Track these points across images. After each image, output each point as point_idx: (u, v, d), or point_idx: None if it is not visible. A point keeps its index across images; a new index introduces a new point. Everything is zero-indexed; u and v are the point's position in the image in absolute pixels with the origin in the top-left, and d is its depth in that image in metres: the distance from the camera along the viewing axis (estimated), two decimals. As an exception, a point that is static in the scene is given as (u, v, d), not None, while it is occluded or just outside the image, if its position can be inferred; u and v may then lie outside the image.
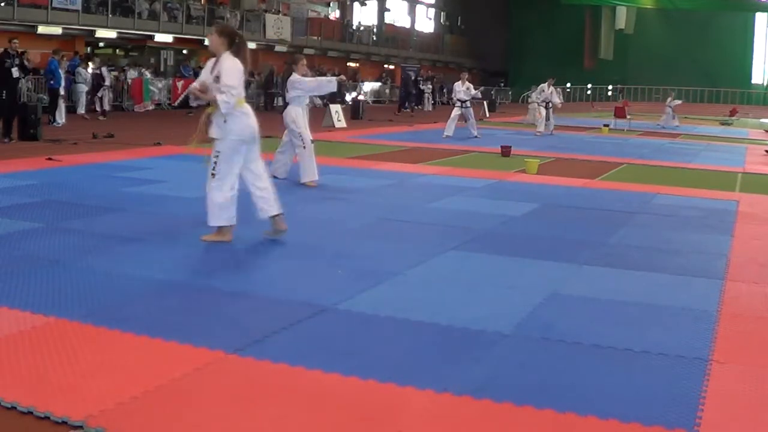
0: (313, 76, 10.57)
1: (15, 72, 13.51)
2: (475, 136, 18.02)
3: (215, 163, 5.86)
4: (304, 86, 9.50)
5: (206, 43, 28.70)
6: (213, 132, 5.88)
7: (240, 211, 7.40)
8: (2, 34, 22.41)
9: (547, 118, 20.97)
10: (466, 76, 19.10)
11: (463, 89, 18.39)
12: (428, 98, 34.91)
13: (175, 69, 28.12)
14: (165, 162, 11.06)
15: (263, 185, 6.12)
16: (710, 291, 5.24)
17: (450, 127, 18.14)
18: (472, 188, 9.84)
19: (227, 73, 5.71)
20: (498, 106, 36.88)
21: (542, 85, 21.29)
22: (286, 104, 9.92)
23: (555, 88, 21.37)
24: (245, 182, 6.10)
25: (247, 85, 7.49)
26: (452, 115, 18.33)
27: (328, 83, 9.85)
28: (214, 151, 5.90)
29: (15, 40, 13.87)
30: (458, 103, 18.36)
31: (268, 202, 6.14)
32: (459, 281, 5.24)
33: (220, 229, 6.04)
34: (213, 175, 5.87)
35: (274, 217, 6.17)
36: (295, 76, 9.49)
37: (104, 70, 21.77)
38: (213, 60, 5.96)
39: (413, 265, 5.60)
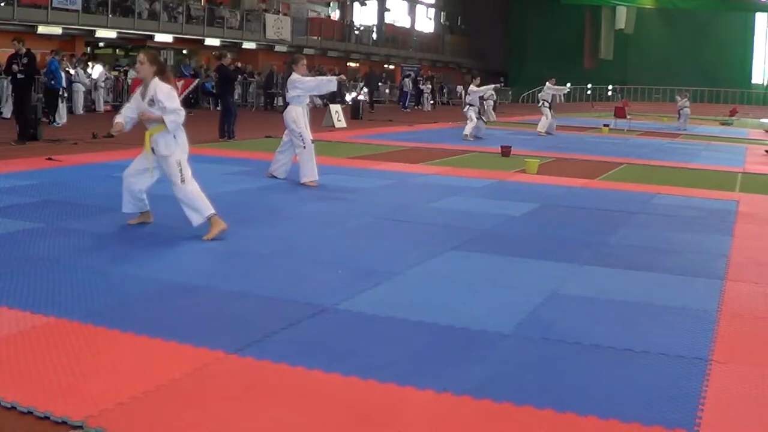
0: (312, 76, 10.56)
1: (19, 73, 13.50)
2: (466, 136, 17.52)
3: (180, 170, 6.25)
4: (304, 85, 9.50)
5: (206, 43, 28.75)
6: (162, 149, 6.27)
7: (239, 212, 7.41)
8: (2, 34, 22.46)
9: (546, 117, 20.86)
10: (478, 81, 18.48)
11: (477, 90, 17.98)
12: (428, 98, 34.89)
13: (176, 69, 28.12)
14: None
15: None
16: (710, 291, 5.24)
17: (479, 127, 17.91)
18: (472, 188, 9.84)
19: (168, 98, 6.17)
20: (498, 106, 36.86)
21: (547, 84, 20.97)
22: (286, 104, 9.93)
23: (555, 87, 21.19)
24: (139, 182, 6.39)
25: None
26: (472, 117, 17.84)
27: (328, 82, 9.85)
28: (173, 163, 6.25)
29: (15, 41, 13.84)
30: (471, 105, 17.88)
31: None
32: (459, 281, 5.24)
33: (212, 222, 6.19)
34: (182, 181, 6.25)
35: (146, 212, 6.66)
36: (295, 76, 9.50)
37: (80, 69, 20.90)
38: (141, 87, 6.36)
39: (413, 265, 5.60)
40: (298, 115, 9.42)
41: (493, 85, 19.82)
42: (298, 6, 36.36)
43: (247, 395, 3.24)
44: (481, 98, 18.14)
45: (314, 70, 26.07)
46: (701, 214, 8.55)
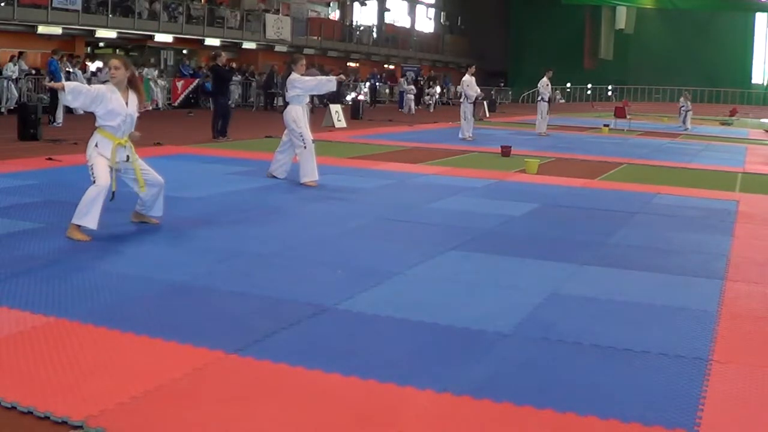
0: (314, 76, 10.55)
1: None
2: (465, 138, 17.36)
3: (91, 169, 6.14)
4: (304, 85, 9.50)
5: (206, 43, 28.75)
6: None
7: (240, 212, 7.42)
8: (2, 34, 22.47)
9: (540, 115, 20.40)
10: (473, 69, 17.93)
11: (470, 81, 17.43)
12: (433, 99, 34.82)
13: (175, 69, 28.15)
14: (165, 162, 11.04)
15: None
16: (710, 291, 5.24)
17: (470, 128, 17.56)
18: (472, 188, 9.84)
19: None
20: (498, 106, 36.91)
21: (543, 79, 20.21)
22: (286, 104, 9.93)
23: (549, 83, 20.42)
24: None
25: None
26: (468, 115, 17.51)
27: (328, 82, 9.85)
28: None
29: None
30: (470, 100, 17.50)
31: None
32: (459, 281, 5.24)
33: (73, 227, 6.05)
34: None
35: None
36: (294, 75, 9.49)
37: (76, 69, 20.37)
38: (116, 93, 6.17)
39: (413, 265, 5.60)
40: (298, 114, 9.41)
41: (480, 93, 19.00)
42: (298, 6, 36.36)
43: (247, 395, 3.23)
44: (476, 98, 17.80)
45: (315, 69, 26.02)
46: (701, 214, 8.55)
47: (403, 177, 10.61)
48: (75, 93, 6.06)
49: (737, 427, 3.17)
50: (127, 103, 6.15)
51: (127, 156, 6.20)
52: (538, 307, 4.69)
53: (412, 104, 30.78)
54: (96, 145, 6.11)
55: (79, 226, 5.96)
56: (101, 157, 6.08)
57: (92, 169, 6.04)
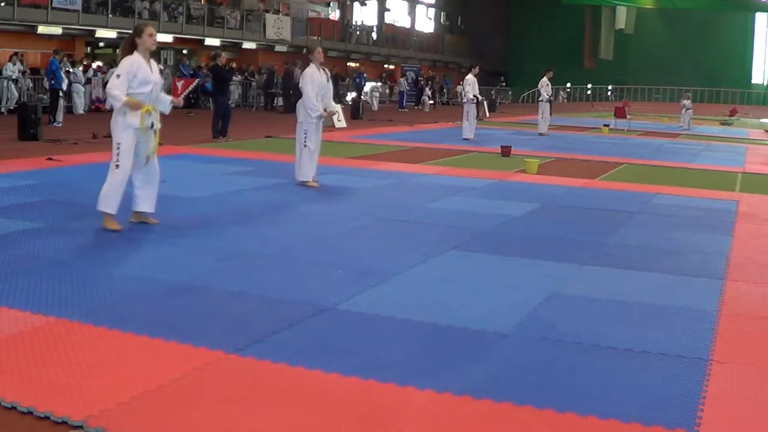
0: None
1: None
2: (467, 138, 17.32)
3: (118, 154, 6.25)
4: (310, 93, 9.46)
5: (206, 43, 28.75)
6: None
7: (239, 212, 7.41)
8: (2, 34, 22.46)
9: (540, 115, 20.31)
10: (477, 70, 17.92)
11: (472, 82, 17.32)
12: (428, 98, 34.91)
13: (175, 68, 28.15)
14: (164, 162, 11.02)
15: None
16: (710, 291, 5.24)
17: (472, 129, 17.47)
18: (472, 188, 9.84)
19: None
20: (498, 106, 36.92)
21: (543, 79, 20.06)
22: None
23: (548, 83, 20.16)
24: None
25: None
26: (470, 116, 17.37)
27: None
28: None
29: None
30: (474, 100, 17.39)
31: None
32: (459, 281, 5.24)
33: (105, 218, 6.24)
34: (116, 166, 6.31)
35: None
36: (307, 76, 9.44)
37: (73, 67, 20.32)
38: (141, 62, 6.28)
39: (413, 265, 5.60)
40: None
41: (477, 95, 18.91)
42: (298, 6, 36.36)
43: (247, 395, 3.23)
44: (475, 97, 17.73)
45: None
46: (701, 214, 8.55)
47: (403, 177, 10.61)
48: (129, 84, 6.14)
49: (737, 427, 3.17)
50: (151, 70, 6.33)
51: (152, 123, 6.32)
52: (538, 307, 4.69)
53: (376, 102, 31.59)
54: (124, 114, 6.17)
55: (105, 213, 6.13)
56: (129, 130, 6.15)
57: (118, 148, 6.15)
